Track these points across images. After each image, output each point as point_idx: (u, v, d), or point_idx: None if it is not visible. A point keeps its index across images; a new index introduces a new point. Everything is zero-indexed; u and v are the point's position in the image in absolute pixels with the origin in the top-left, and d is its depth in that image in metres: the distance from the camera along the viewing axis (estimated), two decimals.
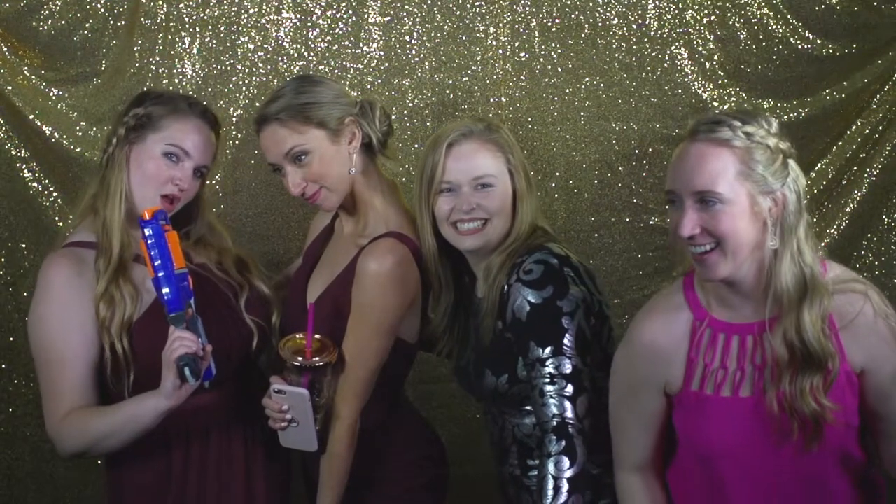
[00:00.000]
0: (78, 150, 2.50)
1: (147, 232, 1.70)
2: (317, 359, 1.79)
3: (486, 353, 1.86)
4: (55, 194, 2.51)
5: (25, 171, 2.50)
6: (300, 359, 1.79)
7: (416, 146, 2.54)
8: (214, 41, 2.50)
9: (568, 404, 1.73)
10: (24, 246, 2.54)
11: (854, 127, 2.53)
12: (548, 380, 1.73)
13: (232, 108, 2.52)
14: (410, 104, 2.53)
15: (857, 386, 1.59)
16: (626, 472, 1.77)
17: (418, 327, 1.94)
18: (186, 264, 1.76)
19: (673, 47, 2.54)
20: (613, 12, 2.52)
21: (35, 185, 2.51)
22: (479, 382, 1.87)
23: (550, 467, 1.70)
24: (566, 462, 1.70)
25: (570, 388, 1.73)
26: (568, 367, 1.74)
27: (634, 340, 1.71)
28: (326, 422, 1.84)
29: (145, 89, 2.03)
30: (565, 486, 1.69)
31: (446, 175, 1.85)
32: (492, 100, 2.53)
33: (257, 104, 2.48)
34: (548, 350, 1.75)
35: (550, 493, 1.69)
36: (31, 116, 2.48)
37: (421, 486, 1.96)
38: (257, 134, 1.88)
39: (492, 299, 1.82)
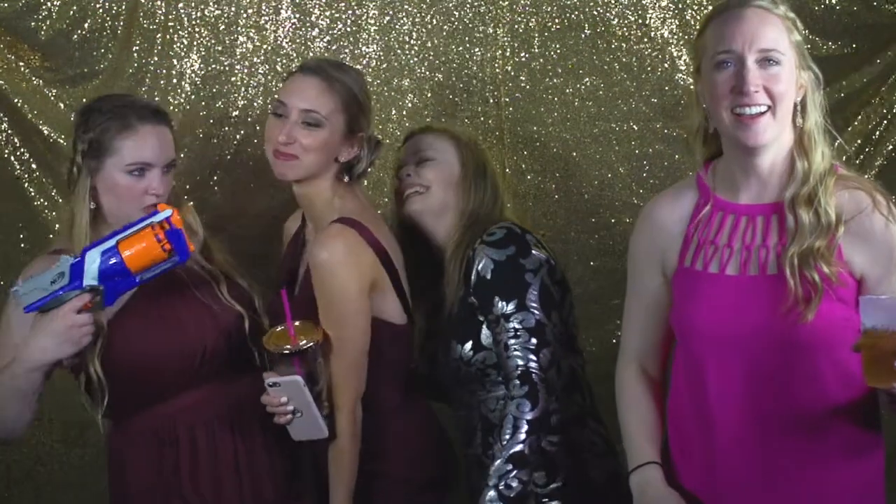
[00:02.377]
0: None
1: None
2: (303, 342, 1.85)
3: (451, 326, 1.97)
4: (54, 194, 2.56)
5: (24, 171, 2.55)
6: (287, 347, 1.84)
7: None
8: (214, 41, 2.54)
9: (531, 356, 1.86)
10: (21, 246, 2.57)
11: (854, 127, 2.57)
12: (512, 333, 1.87)
13: (231, 109, 2.56)
14: (410, 104, 2.57)
15: (855, 291, 1.64)
16: (627, 363, 1.84)
17: (399, 308, 2.00)
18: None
19: (673, 47, 2.58)
20: (613, 12, 2.56)
21: (33, 185, 2.56)
22: (446, 360, 1.98)
23: (512, 408, 1.83)
24: (528, 405, 1.83)
25: (533, 341, 1.87)
26: (532, 321, 1.87)
27: (642, 216, 1.82)
28: (332, 405, 1.90)
29: (88, 102, 2.09)
30: (524, 427, 1.82)
31: (402, 154, 2.11)
32: (491, 100, 2.58)
33: (257, 104, 2.55)
34: (511, 305, 1.88)
35: (509, 432, 1.82)
36: (30, 116, 2.52)
37: (426, 482, 2.02)
38: (295, 73, 1.99)
39: (453, 272, 1.97)
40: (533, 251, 1.94)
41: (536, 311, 1.88)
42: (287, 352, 1.85)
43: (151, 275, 1.81)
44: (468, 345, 1.95)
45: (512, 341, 1.87)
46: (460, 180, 2.07)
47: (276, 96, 2.04)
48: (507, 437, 1.81)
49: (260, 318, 2.04)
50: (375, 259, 1.95)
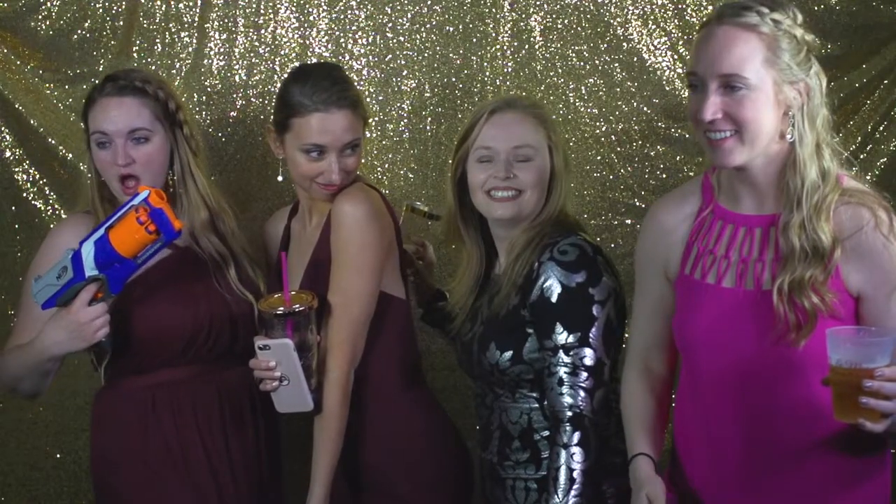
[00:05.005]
0: (75, 150, 2.58)
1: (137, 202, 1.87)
2: (296, 305, 1.90)
3: (496, 326, 1.95)
4: (51, 195, 2.62)
5: (21, 172, 2.61)
6: (280, 308, 1.90)
7: (415, 150, 2.65)
8: (213, 41, 2.61)
9: (586, 396, 1.81)
10: (17, 249, 2.63)
11: (853, 127, 2.62)
12: (569, 369, 1.82)
13: (230, 109, 2.62)
14: (410, 104, 2.64)
15: (852, 309, 1.66)
16: (632, 361, 1.86)
17: (403, 285, 2.08)
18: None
19: (674, 47, 2.64)
20: (614, 12, 2.63)
21: (30, 186, 2.61)
22: (480, 357, 1.96)
23: (566, 458, 1.79)
24: (582, 454, 1.79)
25: (590, 381, 1.82)
26: (591, 359, 1.83)
27: (647, 218, 1.84)
28: (321, 379, 1.95)
29: None
30: (580, 479, 1.79)
31: (485, 140, 1.96)
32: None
33: (256, 104, 2.62)
34: (573, 337, 1.83)
35: (564, 484, 1.78)
36: (29, 117, 2.58)
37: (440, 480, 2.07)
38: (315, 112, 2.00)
39: (515, 274, 1.92)
40: (603, 278, 1.86)
41: (597, 349, 1.83)
42: (280, 312, 1.89)
43: (148, 255, 1.89)
44: (507, 354, 1.90)
45: (566, 377, 1.81)
46: (549, 181, 1.97)
47: (305, 141, 2.02)
48: (562, 490, 1.77)
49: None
50: (392, 226, 2.04)
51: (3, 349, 2.13)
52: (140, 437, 2.04)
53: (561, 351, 1.83)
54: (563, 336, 1.83)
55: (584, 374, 1.82)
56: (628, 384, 1.86)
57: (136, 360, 2.05)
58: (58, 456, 2.66)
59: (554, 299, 1.85)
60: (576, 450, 1.79)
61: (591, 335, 1.83)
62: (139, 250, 1.87)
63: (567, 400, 1.81)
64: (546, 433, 1.92)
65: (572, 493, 1.77)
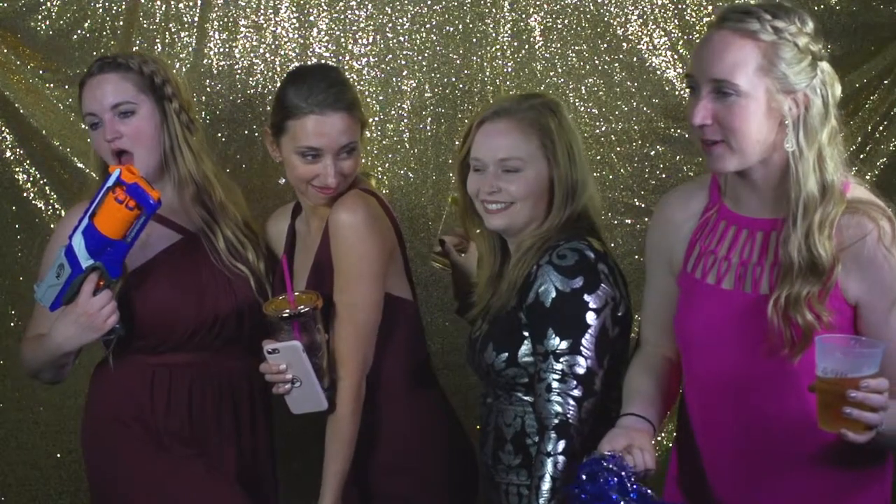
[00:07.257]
0: (75, 150, 2.62)
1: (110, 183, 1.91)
2: (301, 306, 1.92)
3: (496, 327, 1.96)
4: (51, 195, 2.65)
5: (21, 172, 2.64)
6: (286, 311, 1.92)
7: (415, 150, 2.68)
8: (213, 41, 2.64)
9: (574, 405, 1.81)
10: (17, 249, 2.67)
11: (854, 126, 2.64)
12: (558, 376, 1.81)
13: (230, 109, 2.65)
14: (410, 104, 2.67)
15: (849, 318, 1.66)
16: (640, 352, 1.89)
17: (408, 285, 2.11)
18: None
19: (673, 47, 2.67)
20: (614, 12, 2.65)
21: (30, 186, 2.65)
22: (480, 356, 1.98)
23: (550, 468, 1.79)
24: (565, 463, 1.79)
25: (578, 390, 1.81)
26: (581, 368, 1.82)
27: (656, 212, 1.86)
28: (333, 379, 1.98)
29: None
30: (561, 486, 1.77)
31: (476, 151, 1.97)
32: (492, 100, 2.63)
33: (256, 104, 2.65)
34: (565, 344, 1.82)
35: (547, 493, 1.78)
36: (29, 117, 2.61)
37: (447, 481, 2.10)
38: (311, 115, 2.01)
39: (515, 276, 1.92)
40: (602, 285, 1.85)
41: (589, 358, 1.81)
42: (286, 315, 1.92)
43: (136, 231, 1.93)
44: (503, 355, 1.91)
45: (556, 384, 1.81)
46: (548, 192, 1.95)
47: (300, 144, 2.03)
48: (545, 499, 1.77)
49: (260, 276, 2.16)
50: (392, 230, 2.07)
51: (23, 336, 2.21)
52: (133, 409, 2.09)
53: (552, 357, 1.83)
54: (554, 341, 1.83)
55: (574, 382, 1.81)
56: (630, 369, 1.88)
57: (141, 343, 2.10)
58: (58, 456, 2.69)
59: (548, 304, 1.84)
60: (560, 458, 1.79)
61: (583, 343, 1.82)
62: (126, 229, 1.92)
63: (555, 408, 1.81)
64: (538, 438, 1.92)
65: (554, 502, 1.78)
